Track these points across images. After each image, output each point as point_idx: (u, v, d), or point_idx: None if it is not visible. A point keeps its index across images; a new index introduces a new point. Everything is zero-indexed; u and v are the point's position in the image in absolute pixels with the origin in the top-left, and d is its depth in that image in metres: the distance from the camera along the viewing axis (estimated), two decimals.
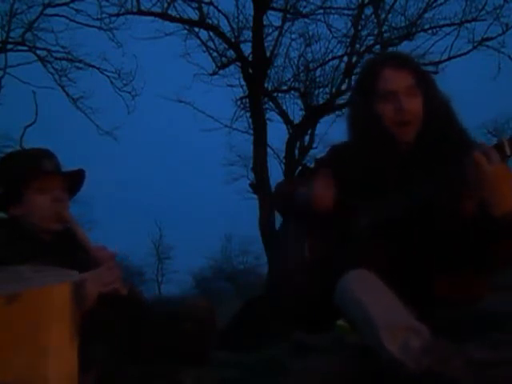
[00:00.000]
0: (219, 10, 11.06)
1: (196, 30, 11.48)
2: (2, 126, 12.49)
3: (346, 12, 11.30)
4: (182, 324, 1.80)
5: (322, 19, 11.38)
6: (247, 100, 11.36)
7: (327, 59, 11.94)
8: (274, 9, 11.21)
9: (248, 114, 11.55)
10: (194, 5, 10.91)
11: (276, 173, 12.00)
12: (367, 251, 1.66)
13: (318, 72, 12.19)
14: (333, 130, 12.07)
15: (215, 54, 11.55)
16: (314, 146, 13.09)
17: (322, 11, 11.25)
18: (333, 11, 11.29)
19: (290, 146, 12.17)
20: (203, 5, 10.92)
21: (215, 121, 12.47)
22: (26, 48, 11.19)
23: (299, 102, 12.54)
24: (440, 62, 11.11)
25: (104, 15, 10.74)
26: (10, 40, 11.09)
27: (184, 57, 11.65)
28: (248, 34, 11.14)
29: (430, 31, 11.24)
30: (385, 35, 11.49)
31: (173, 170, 37.66)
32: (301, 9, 11.30)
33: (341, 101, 11.99)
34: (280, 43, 11.53)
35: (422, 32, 11.27)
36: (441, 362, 1.37)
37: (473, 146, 1.54)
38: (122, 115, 11.99)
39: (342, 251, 1.74)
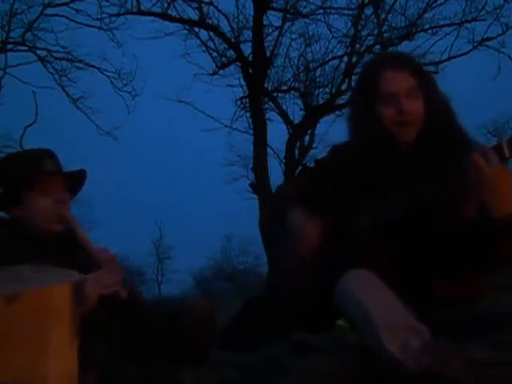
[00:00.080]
0: (219, 10, 11.09)
1: (196, 29, 11.51)
2: (2, 126, 12.52)
3: (346, 12, 11.34)
4: (181, 322, 1.80)
5: (322, 19, 11.42)
6: (247, 100, 11.37)
7: (327, 59, 11.97)
8: (274, 9, 11.22)
9: (248, 114, 11.57)
10: (194, 5, 10.94)
11: (276, 173, 12.03)
12: (367, 251, 1.66)
13: (318, 72, 12.23)
14: (333, 130, 12.09)
15: (215, 54, 11.58)
16: (314, 146, 13.12)
17: (322, 11, 11.29)
18: (333, 11, 11.32)
19: (289, 146, 12.17)
20: (203, 5, 10.94)
21: (215, 121, 12.50)
22: (26, 48, 11.22)
23: (299, 102, 12.56)
24: (440, 61, 11.13)
25: (104, 15, 10.77)
26: (10, 40, 11.11)
27: (184, 57, 11.68)
28: (248, 34, 11.17)
29: (430, 31, 11.27)
30: (385, 35, 11.51)
31: (173, 170, 37.73)
32: (301, 9, 11.33)
33: (341, 101, 12.01)
34: (280, 43, 11.56)
35: (422, 32, 11.31)
36: (441, 361, 1.37)
37: (472, 147, 1.53)
38: (122, 115, 12.04)
39: (341, 251, 1.74)
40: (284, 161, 12.53)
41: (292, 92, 12.50)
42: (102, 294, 1.62)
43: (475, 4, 10.70)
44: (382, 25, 11.39)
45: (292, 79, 12.26)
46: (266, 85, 11.58)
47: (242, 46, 11.29)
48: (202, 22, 11.04)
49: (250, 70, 10.94)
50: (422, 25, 11.26)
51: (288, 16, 11.40)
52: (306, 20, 11.48)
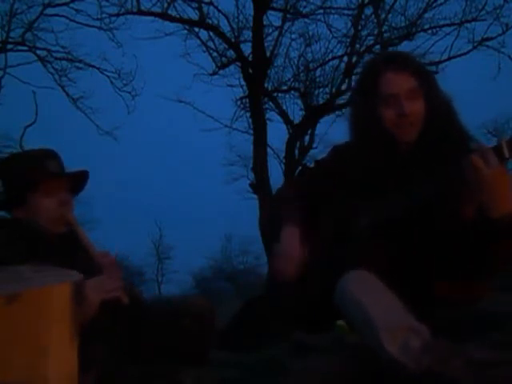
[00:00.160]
0: (219, 10, 11.10)
1: (196, 29, 11.51)
2: (2, 126, 12.53)
3: (346, 12, 11.35)
4: (181, 320, 1.80)
5: (322, 19, 11.43)
6: (247, 100, 11.38)
7: (327, 59, 11.97)
8: (274, 9, 11.23)
9: (248, 114, 11.58)
10: (194, 5, 10.94)
11: (276, 173, 12.03)
12: (367, 251, 1.66)
13: (318, 72, 12.24)
14: (333, 130, 12.10)
15: (215, 53, 11.59)
16: (314, 145, 13.13)
17: (322, 11, 11.29)
18: (333, 11, 11.33)
19: (290, 146, 12.18)
20: (203, 5, 10.95)
21: (215, 121, 12.52)
22: (26, 48, 11.23)
23: (299, 102, 12.57)
24: (440, 61, 11.14)
25: (104, 15, 10.78)
26: (10, 40, 11.11)
27: (184, 57, 11.69)
28: (248, 34, 11.17)
29: (429, 31, 11.27)
30: (385, 35, 11.51)
31: (173, 170, 37.72)
32: (301, 9, 11.33)
33: (341, 101, 12.02)
34: (280, 43, 11.57)
35: (422, 32, 11.31)
36: (441, 361, 1.37)
37: (472, 148, 1.53)
38: (122, 115, 12.04)
39: (341, 251, 1.74)
40: (284, 161, 12.54)
41: (292, 92, 12.52)
42: (103, 299, 1.61)
43: (475, 4, 10.73)
44: (382, 25, 11.40)
45: (292, 79, 12.28)
46: (266, 85, 11.59)
47: (242, 45, 11.31)
48: (201, 22, 11.05)
49: (250, 70, 10.94)
50: (422, 25, 11.28)
51: (288, 16, 11.41)
52: (306, 20, 11.51)
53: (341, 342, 2.16)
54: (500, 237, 1.50)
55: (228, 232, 28.07)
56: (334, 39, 11.62)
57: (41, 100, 11.88)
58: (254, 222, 10.71)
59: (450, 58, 11.22)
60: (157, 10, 10.82)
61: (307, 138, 13.03)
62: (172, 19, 11.05)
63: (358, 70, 11.23)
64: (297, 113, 12.64)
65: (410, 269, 1.61)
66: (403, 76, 1.71)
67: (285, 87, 12.33)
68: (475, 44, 11.04)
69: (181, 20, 11.10)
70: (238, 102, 11.75)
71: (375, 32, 11.69)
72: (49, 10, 10.88)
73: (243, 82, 11.39)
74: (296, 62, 12.02)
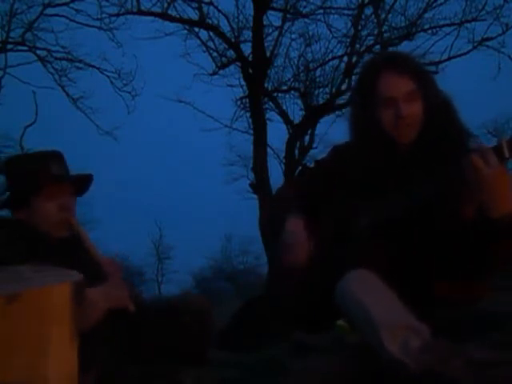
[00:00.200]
0: (219, 10, 11.09)
1: (196, 29, 11.51)
2: (2, 126, 12.52)
3: (346, 12, 11.34)
4: (181, 317, 1.80)
5: (322, 19, 11.42)
6: (247, 100, 11.37)
7: (327, 59, 11.97)
8: (274, 9, 11.22)
9: (248, 114, 11.57)
10: (194, 5, 10.93)
11: (276, 173, 12.03)
12: (367, 251, 1.66)
13: (318, 72, 12.23)
14: (333, 130, 12.09)
15: (215, 53, 11.58)
16: (314, 145, 13.13)
17: (322, 11, 11.28)
18: (333, 11, 11.32)
19: (290, 146, 12.18)
20: (203, 5, 10.94)
21: (215, 121, 12.51)
22: (26, 48, 11.22)
23: (299, 102, 12.57)
24: (440, 61, 11.12)
25: (104, 15, 10.77)
26: (10, 40, 11.11)
27: (184, 57, 11.68)
28: (248, 34, 11.17)
29: (429, 31, 11.26)
30: (385, 35, 11.50)
31: (173, 170, 37.67)
32: (301, 9, 11.32)
33: (341, 101, 12.01)
34: (280, 43, 11.57)
35: (422, 32, 11.30)
36: (441, 361, 1.37)
37: (471, 147, 1.53)
38: (122, 115, 12.02)
39: (342, 251, 1.74)
40: (284, 161, 12.53)
41: (292, 92, 12.51)
42: (110, 307, 1.61)
43: (475, 4, 10.71)
44: (382, 25, 11.39)
45: (292, 79, 12.27)
46: (266, 85, 11.59)
47: (242, 45, 11.30)
48: (201, 22, 11.04)
49: (250, 70, 10.94)
50: (422, 25, 11.27)
51: (288, 16, 11.41)
52: (306, 20, 11.50)
53: (341, 342, 2.16)
54: (500, 237, 1.50)
55: (228, 232, 28.10)
56: (334, 39, 11.63)
57: (41, 100, 11.89)
58: (254, 222, 10.72)
59: (449, 58, 11.22)
60: (157, 9, 10.83)
61: (307, 137, 13.05)
62: (172, 19, 11.05)
63: (358, 70, 11.24)
64: (297, 113, 12.66)
65: (410, 269, 1.61)
66: (402, 79, 1.70)
67: (285, 87, 12.34)
68: (475, 44, 11.04)
69: (181, 20, 11.10)
70: (238, 102, 11.77)
71: (375, 32, 11.69)
72: (49, 10, 10.89)
73: (243, 82, 11.40)
74: (296, 62, 12.04)
